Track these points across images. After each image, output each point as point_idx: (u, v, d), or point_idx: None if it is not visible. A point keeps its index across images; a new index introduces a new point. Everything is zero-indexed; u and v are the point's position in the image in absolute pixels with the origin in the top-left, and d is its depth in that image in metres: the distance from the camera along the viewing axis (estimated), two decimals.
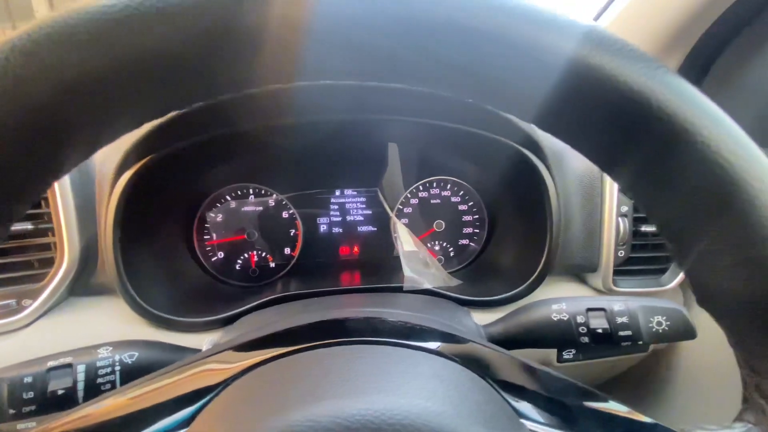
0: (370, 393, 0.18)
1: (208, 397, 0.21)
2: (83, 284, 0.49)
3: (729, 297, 0.17)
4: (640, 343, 0.35)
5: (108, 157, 0.47)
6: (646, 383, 0.67)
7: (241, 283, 0.63)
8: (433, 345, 0.25)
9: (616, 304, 0.36)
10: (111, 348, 0.34)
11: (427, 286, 0.52)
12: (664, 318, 0.34)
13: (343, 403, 0.17)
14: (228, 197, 0.62)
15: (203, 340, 0.46)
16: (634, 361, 0.63)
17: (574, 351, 0.38)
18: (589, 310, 0.36)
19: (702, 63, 0.53)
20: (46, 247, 0.47)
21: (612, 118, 0.16)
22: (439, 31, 0.15)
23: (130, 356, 0.34)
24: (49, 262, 0.47)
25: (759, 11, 0.50)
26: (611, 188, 0.51)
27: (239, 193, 0.62)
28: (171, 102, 0.16)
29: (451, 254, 0.67)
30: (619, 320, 0.35)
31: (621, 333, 0.35)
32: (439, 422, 0.17)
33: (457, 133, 0.52)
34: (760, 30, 0.50)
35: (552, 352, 0.41)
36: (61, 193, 0.46)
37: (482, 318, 0.47)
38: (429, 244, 0.67)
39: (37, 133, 0.13)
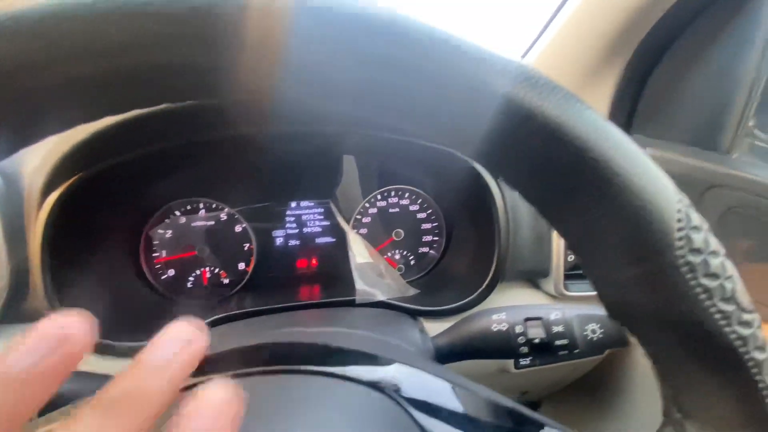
0: (272, 426, 0.18)
1: None
2: (14, 310, 0.46)
3: (636, 310, 0.17)
4: (576, 351, 0.35)
5: (37, 173, 0.45)
6: (606, 385, 0.68)
7: (194, 300, 0.61)
8: (350, 369, 0.24)
9: (553, 313, 0.36)
10: None
11: (381, 297, 0.52)
12: (599, 326, 0.35)
13: None
14: (177, 212, 0.60)
15: None
16: (593, 363, 0.64)
17: (528, 358, 0.39)
18: (527, 319, 0.36)
19: (640, 74, 0.55)
20: None
21: (538, 158, 0.16)
22: (377, 66, 0.14)
23: None
24: None
25: (692, 18, 0.52)
26: None
27: (188, 207, 0.61)
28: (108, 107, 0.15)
29: (412, 262, 0.67)
30: (555, 329, 0.35)
31: (557, 342, 0.35)
32: None
33: (412, 146, 0.51)
34: (692, 38, 0.52)
35: (503, 362, 0.41)
36: None
37: (435, 328, 0.47)
38: (390, 254, 0.67)
39: None
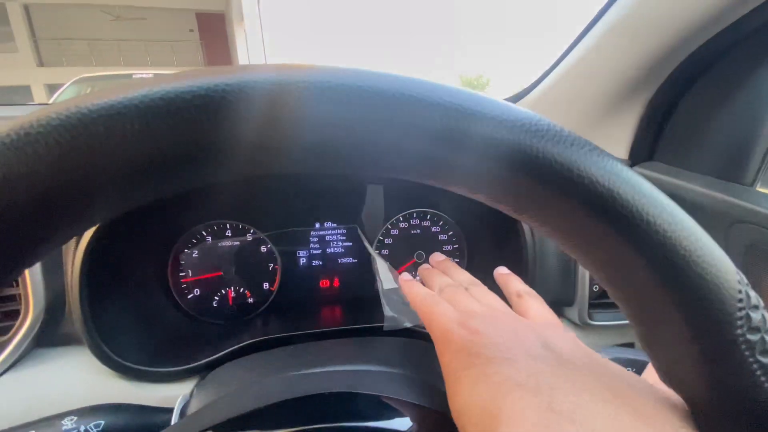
0: None
1: None
2: (50, 335, 0.47)
3: (691, 382, 0.18)
4: None
5: None
6: None
7: (219, 321, 0.62)
8: (402, 423, 0.25)
9: None
10: (75, 418, 0.32)
11: (408, 324, 0.52)
12: (635, 371, 0.35)
13: None
14: (204, 233, 0.61)
15: (179, 392, 0.45)
16: None
17: None
18: None
19: (666, 106, 0.55)
20: (11, 298, 0.45)
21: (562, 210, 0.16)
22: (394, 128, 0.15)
23: (96, 426, 0.32)
24: (14, 315, 0.45)
25: (722, 52, 0.52)
26: None
27: (216, 228, 0.61)
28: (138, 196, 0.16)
29: None
30: None
31: None
32: None
33: None
34: (720, 71, 0.52)
35: None
36: None
37: None
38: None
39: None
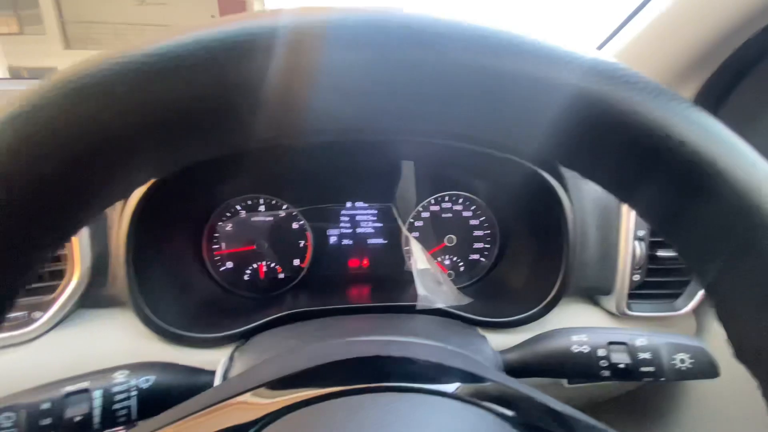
0: None
1: None
2: (93, 296, 0.48)
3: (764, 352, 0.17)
4: (662, 378, 0.34)
5: None
6: (651, 402, 0.67)
7: (250, 294, 0.62)
8: (464, 388, 0.24)
9: (638, 339, 0.35)
10: (127, 372, 0.33)
11: (440, 305, 0.52)
12: (688, 356, 0.34)
13: None
14: (238, 207, 0.61)
15: (214, 358, 0.46)
16: (633, 386, 0.63)
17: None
18: (610, 343, 0.36)
19: (718, 94, 0.53)
20: (57, 258, 0.46)
21: (630, 153, 0.16)
22: (447, 73, 0.14)
23: (146, 380, 0.33)
24: (59, 275, 0.46)
25: None
26: (628, 211, 0.51)
27: (250, 203, 0.62)
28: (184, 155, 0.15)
29: (461, 269, 0.67)
30: (641, 356, 0.34)
31: (643, 369, 0.34)
32: None
33: (472, 153, 0.51)
34: None
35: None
36: None
37: (495, 340, 0.46)
38: (439, 258, 0.67)
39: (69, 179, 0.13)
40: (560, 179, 0.49)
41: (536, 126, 0.16)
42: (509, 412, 0.24)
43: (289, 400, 0.22)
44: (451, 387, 0.25)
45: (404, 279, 0.66)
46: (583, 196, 0.52)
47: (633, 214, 0.51)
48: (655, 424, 0.66)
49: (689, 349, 0.34)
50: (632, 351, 0.35)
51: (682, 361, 0.34)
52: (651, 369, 0.34)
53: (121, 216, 0.44)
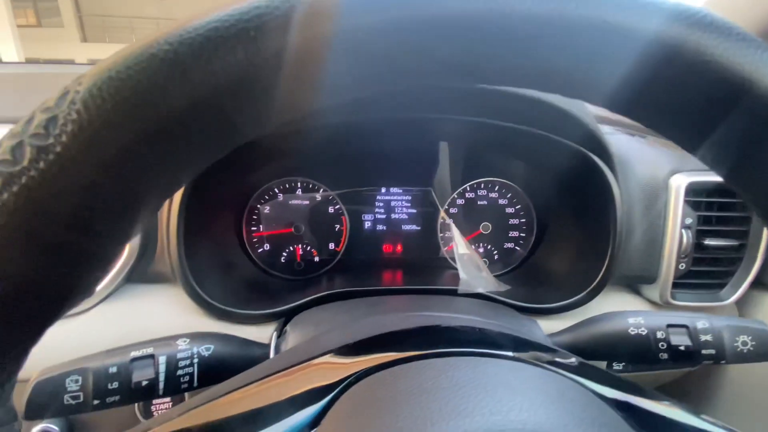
0: (504, 413, 0.18)
1: (331, 396, 0.21)
2: (141, 271, 0.49)
3: None
4: (722, 361, 0.34)
5: None
6: (691, 393, 0.66)
7: (286, 275, 0.63)
8: (543, 359, 0.24)
9: (699, 322, 0.35)
10: (189, 340, 0.34)
11: (481, 290, 0.52)
12: (750, 338, 0.33)
13: (496, 420, 0.17)
14: (276, 190, 0.62)
15: (258, 334, 0.46)
16: (679, 374, 0.62)
17: (624, 363, 0.38)
18: (669, 326, 0.35)
19: None
20: None
21: (709, 100, 0.15)
22: (517, 18, 0.14)
23: (206, 349, 0.34)
24: None
25: None
26: (676, 198, 0.50)
27: (287, 186, 0.62)
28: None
29: (496, 257, 0.67)
30: (703, 338, 0.34)
31: (704, 351, 0.34)
32: None
33: (514, 133, 0.50)
34: None
35: (601, 364, 0.40)
36: None
37: (542, 326, 0.46)
38: (473, 246, 0.66)
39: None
40: (608, 161, 0.48)
41: (613, 72, 0.16)
42: (584, 380, 0.24)
43: (370, 361, 0.22)
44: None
45: (438, 265, 0.66)
46: (630, 182, 0.51)
47: (681, 201, 0.50)
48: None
49: (752, 331, 0.34)
50: (693, 333, 0.34)
51: (744, 343, 0.33)
52: (712, 352, 0.34)
53: (171, 200, 0.45)
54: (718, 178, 0.54)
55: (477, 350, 0.23)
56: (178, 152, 0.15)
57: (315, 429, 0.20)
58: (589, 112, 0.46)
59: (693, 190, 0.50)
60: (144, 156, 0.15)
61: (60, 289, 0.16)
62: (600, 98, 0.17)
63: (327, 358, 0.24)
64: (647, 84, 0.16)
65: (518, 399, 0.19)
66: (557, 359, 0.26)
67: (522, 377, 0.21)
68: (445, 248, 0.66)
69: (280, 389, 0.22)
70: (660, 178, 0.51)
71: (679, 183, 0.50)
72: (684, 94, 0.15)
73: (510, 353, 0.23)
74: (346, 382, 0.21)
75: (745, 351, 0.33)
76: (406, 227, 0.67)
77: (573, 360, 0.27)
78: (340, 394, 0.21)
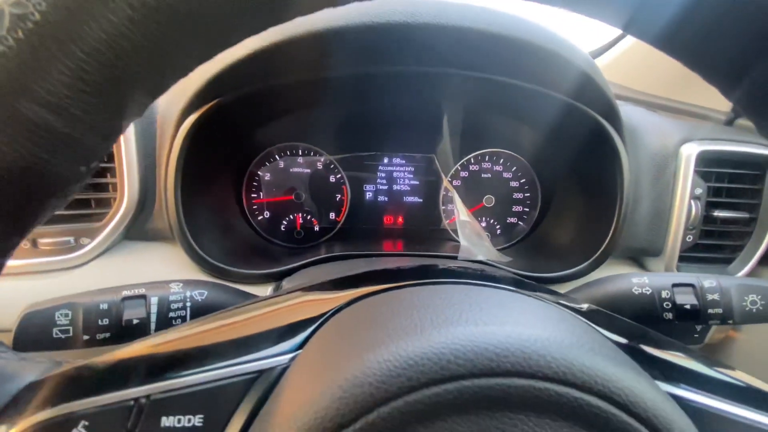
0: (499, 324, 0.17)
1: (317, 323, 0.20)
2: (138, 228, 0.49)
3: None
4: (729, 321, 0.33)
5: (172, 101, 0.46)
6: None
7: (286, 243, 0.62)
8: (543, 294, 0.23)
9: (706, 281, 0.34)
10: (182, 284, 0.33)
11: (481, 258, 0.51)
12: (760, 297, 0.32)
13: (490, 330, 0.16)
14: (277, 156, 0.61)
15: (260, 291, 0.46)
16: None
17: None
18: (675, 285, 0.34)
19: None
20: (104, 187, 0.46)
21: (751, 31, 0.14)
22: None
23: (200, 294, 0.33)
24: (106, 203, 0.47)
25: None
26: (686, 168, 0.49)
27: (288, 153, 0.61)
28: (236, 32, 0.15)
29: (498, 232, 0.66)
30: (710, 297, 0.33)
31: (711, 311, 0.33)
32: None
33: (522, 92, 0.47)
34: None
35: None
36: (124, 135, 0.45)
37: None
38: (476, 219, 0.65)
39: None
40: (618, 127, 0.46)
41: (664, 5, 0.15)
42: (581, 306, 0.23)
43: (361, 292, 0.22)
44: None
45: (439, 237, 0.65)
46: (638, 151, 0.50)
47: (692, 171, 0.49)
48: None
49: (762, 290, 0.32)
50: (700, 292, 0.33)
51: (753, 302, 0.32)
52: (719, 311, 0.33)
53: (169, 153, 0.45)
54: (731, 147, 0.53)
55: (476, 281, 0.22)
56: (166, 39, 0.15)
57: (298, 352, 0.19)
58: (600, 72, 0.45)
59: (704, 160, 0.49)
60: (129, 38, 0.14)
61: (42, 179, 0.15)
62: (639, 28, 0.16)
63: (316, 293, 0.23)
64: (689, 11, 0.15)
65: (515, 316, 0.18)
66: (564, 301, 0.25)
67: (522, 304, 0.20)
68: (447, 221, 0.65)
69: (265, 321, 0.21)
70: (670, 146, 0.50)
71: (690, 152, 0.48)
72: (726, 26, 0.15)
73: (512, 288, 0.22)
74: (335, 309, 0.21)
75: (754, 310, 0.32)
76: (408, 199, 0.66)
77: (583, 305, 0.26)
78: (327, 320, 0.20)
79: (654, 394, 0.15)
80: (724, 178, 0.50)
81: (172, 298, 0.32)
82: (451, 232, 0.64)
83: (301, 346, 0.19)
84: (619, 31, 0.75)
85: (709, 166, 0.49)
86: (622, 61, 0.73)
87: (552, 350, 0.15)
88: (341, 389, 0.15)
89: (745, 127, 0.56)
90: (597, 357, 0.16)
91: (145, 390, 0.17)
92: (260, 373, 0.18)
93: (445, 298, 0.19)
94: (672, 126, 0.52)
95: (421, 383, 0.14)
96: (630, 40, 0.72)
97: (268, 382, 0.18)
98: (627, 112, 0.51)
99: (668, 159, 0.49)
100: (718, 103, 0.59)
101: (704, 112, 0.60)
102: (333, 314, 0.20)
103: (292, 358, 0.19)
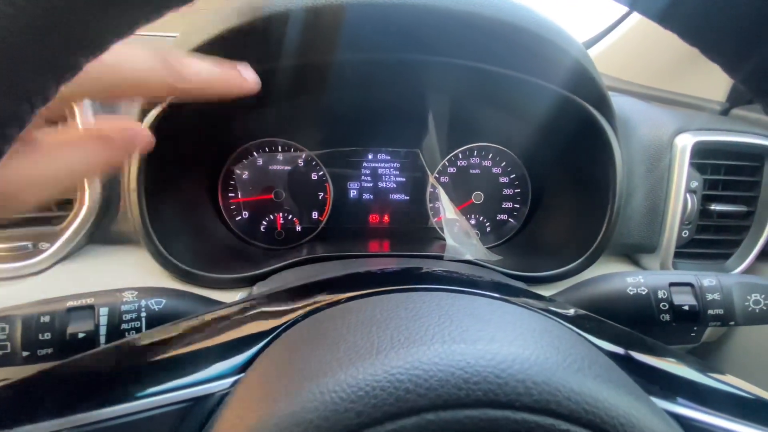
0: (471, 342, 0.14)
1: (265, 341, 0.17)
2: (103, 232, 0.46)
3: None
4: (731, 322, 0.30)
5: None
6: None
7: (266, 245, 0.59)
8: (518, 299, 0.21)
9: (705, 279, 0.31)
10: (136, 293, 0.30)
11: (469, 257, 0.48)
12: (763, 296, 0.30)
13: (458, 349, 0.13)
14: (255, 153, 0.58)
15: (230, 297, 0.43)
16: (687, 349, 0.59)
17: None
18: (672, 284, 0.32)
19: None
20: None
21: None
22: None
23: (156, 303, 0.30)
24: (67, 206, 0.44)
25: None
26: (681, 160, 0.46)
27: (267, 149, 0.58)
28: None
29: (488, 229, 0.63)
30: (710, 297, 0.30)
31: (711, 311, 0.30)
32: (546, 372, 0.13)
33: (510, 82, 0.44)
34: None
35: None
36: None
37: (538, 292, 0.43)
38: (465, 217, 0.63)
39: None
40: (610, 117, 0.44)
41: None
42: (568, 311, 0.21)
43: (317, 303, 0.19)
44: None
45: (427, 236, 0.63)
46: (631, 143, 0.47)
47: (687, 164, 0.47)
48: None
49: (764, 289, 0.30)
50: (699, 292, 0.31)
51: (756, 302, 0.30)
52: (720, 312, 0.30)
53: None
54: (728, 138, 0.50)
55: (450, 287, 0.20)
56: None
57: (241, 375, 0.16)
58: (592, 61, 0.42)
59: (700, 151, 0.46)
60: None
61: None
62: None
63: (271, 304, 0.20)
64: None
65: (490, 329, 0.15)
66: (551, 307, 0.23)
67: (501, 314, 0.18)
68: (435, 219, 0.62)
69: (208, 336, 0.19)
70: (664, 137, 0.47)
71: (685, 143, 0.46)
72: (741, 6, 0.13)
73: (490, 293, 0.20)
74: (288, 323, 0.18)
75: (757, 310, 0.30)
76: (394, 196, 0.63)
77: (570, 310, 0.24)
78: (278, 336, 0.17)
79: (652, 421, 0.13)
80: (721, 170, 0.48)
81: (124, 308, 0.29)
82: (439, 230, 0.62)
83: (245, 367, 0.16)
84: (610, 21, 0.73)
85: (705, 157, 0.47)
86: (613, 51, 0.71)
87: (532, 373, 0.13)
88: (277, 428, 0.12)
89: (742, 117, 0.54)
90: (586, 379, 0.13)
91: (55, 425, 0.15)
92: (195, 401, 0.16)
93: (411, 310, 0.16)
94: (666, 116, 0.49)
95: (373, 419, 0.12)
96: (621, 30, 0.70)
97: (205, 411, 0.15)
98: (619, 102, 0.48)
99: (662, 151, 0.47)
100: (713, 92, 0.57)
101: (698, 102, 0.58)
102: (286, 329, 0.18)
103: (234, 383, 0.16)
